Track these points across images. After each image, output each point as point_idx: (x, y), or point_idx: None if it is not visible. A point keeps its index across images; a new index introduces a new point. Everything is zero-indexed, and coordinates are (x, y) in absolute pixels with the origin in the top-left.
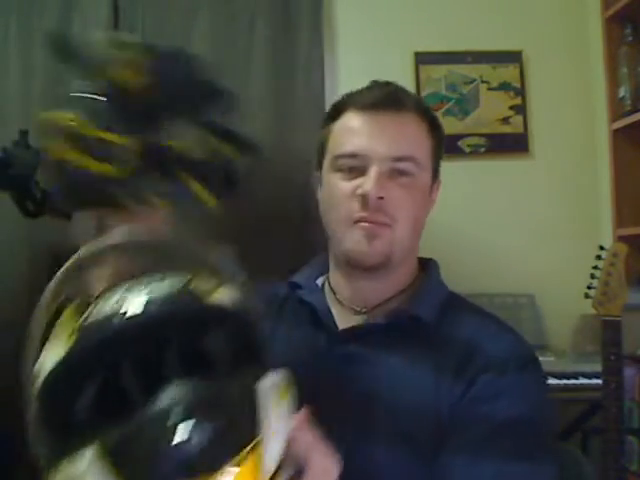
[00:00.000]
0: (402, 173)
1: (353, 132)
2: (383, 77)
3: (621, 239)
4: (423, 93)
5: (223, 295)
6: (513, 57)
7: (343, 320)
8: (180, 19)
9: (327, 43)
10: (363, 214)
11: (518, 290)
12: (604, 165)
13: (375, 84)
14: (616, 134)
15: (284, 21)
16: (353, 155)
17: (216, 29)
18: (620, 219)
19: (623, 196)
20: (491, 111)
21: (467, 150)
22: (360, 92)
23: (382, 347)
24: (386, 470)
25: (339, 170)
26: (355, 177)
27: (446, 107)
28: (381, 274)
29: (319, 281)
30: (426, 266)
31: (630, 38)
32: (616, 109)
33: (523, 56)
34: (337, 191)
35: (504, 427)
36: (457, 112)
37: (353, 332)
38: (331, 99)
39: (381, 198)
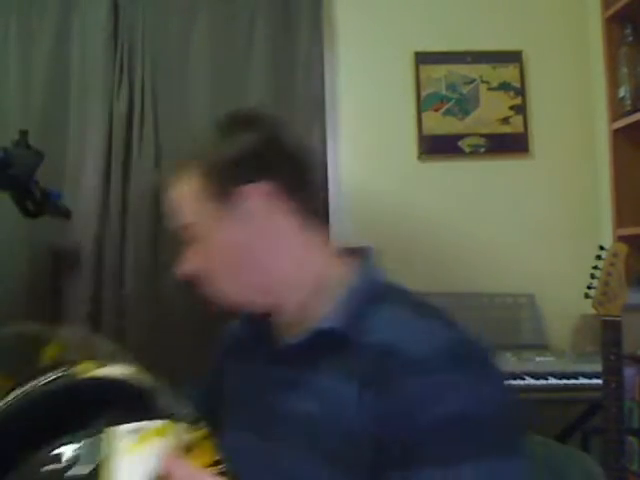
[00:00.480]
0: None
1: None
2: (383, 77)
3: (621, 239)
4: (423, 93)
5: (104, 371)
6: (513, 57)
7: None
8: (180, 19)
9: (327, 42)
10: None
11: (518, 290)
12: (604, 165)
13: None
14: (616, 134)
15: (284, 20)
16: None
17: (216, 29)
18: (620, 219)
19: (623, 196)
20: (491, 111)
21: (467, 150)
22: None
23: (304, 366)
24: None
25: None
26: None
27: (446, 107)
28: (257, 314)
29: None
30: (353, 260)
31: (630, 38)
32: (616, 109)
33: (523, 56)
34: None
35: (435, 431)
36: (457, 112)
37: (278, 355)
38: (331, 98)
39: (190, 270)
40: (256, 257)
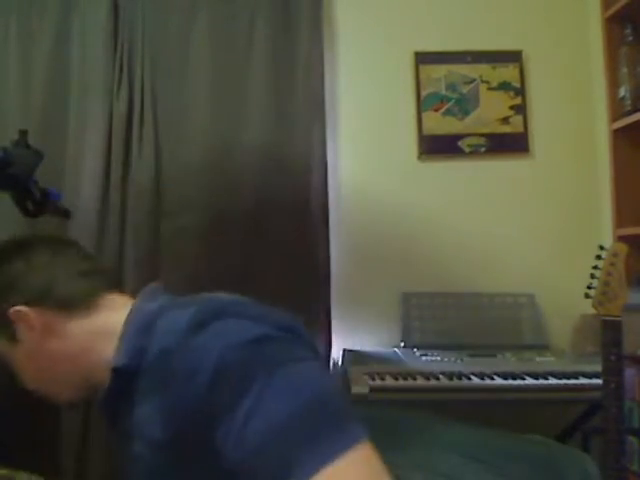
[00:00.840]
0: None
1: None
2: (383, 77)
3: (621, 239)
4: (423, 93)
5: None
6: (513, 57)
7: None
8: (180, 19)
9: (327, 42)
10: None
11: (518, 290)
12: (604, 165)
13: None
14: (616, 134)
15: (284, 20)
16: None
17: (216, 29)
18: (620, 219)
19: (623, 196)
20: (491, 111)
21: (467, 150)
22: None
23: (122, 412)
24: None
25: None
26: None
27: (446, 107)
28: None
29: None
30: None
31: (630, 38)
32: (616, 109)
33: (523, 56)
34: None
35: (216, 384)
36: (457, 112)
37: (106, 414)
38: (331, 98)
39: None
40: (50, 358)
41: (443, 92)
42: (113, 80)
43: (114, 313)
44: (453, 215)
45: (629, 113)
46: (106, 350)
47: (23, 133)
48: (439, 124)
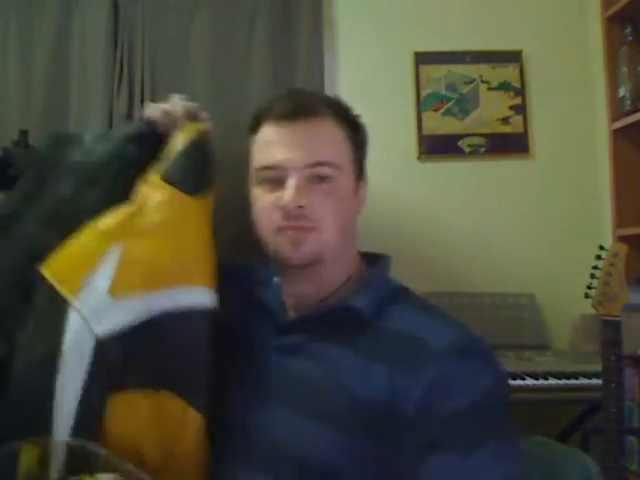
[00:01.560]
0: (321, 179)
1: (269, 145)
2: (383, 77)
3: (621, 239)
4: (423, 93)
5: None
6: (513, 57)
7: (289, 314)
8: (180, 19)
9: (327, 43)
10: (285, 223)
11: (518, 290)
12: (604, 165)
13: (289, 92)
14: (616, 134)
15: (284, 21)
16: (271, 167)
17: (216, 29)
18: (620, 219)
19: (623, 196)
20: (491, 111)
21: (467, 150)
22: (274, 102)
23: (317, 336)
24: (311, 447)
25: (261, 183)
26: (276, 189)
27: (446, 107)
28: (313, 272)
29: (276, 279)
30: (374, 262)
31: (630, 38)
32: (616, 109)
33: (523, 56)
34: (260, 204)
35: (455, 417)
36: (457, 112)
37: (292, 324)
38: None
39: (301, 207)
40: (353, 216)
41: (443, 92)
42: (113, 80)
43: (357, 254)
44: (453, 215)
45: (629, 113)
46: (359, 268)
47: (23, 133)
48: (439, 124)
